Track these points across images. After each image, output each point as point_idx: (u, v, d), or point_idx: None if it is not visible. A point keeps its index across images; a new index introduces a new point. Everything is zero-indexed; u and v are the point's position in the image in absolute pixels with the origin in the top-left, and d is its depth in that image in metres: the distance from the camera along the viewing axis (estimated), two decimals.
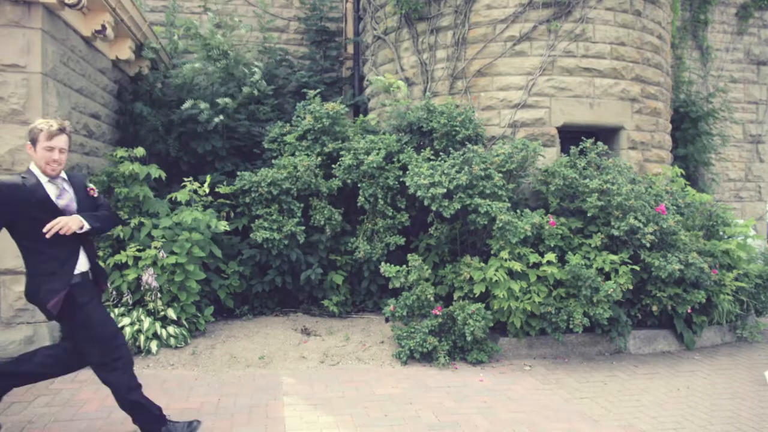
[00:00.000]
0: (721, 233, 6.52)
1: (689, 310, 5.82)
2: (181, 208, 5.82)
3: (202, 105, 6.83)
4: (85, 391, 4.34)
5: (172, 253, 5.47)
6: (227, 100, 7.00)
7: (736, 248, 6.07)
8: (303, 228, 6.11)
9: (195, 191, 6.12)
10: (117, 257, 5.29)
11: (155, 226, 5.58)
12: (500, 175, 5.79)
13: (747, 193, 11.43)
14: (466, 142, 6.17)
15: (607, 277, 5.58)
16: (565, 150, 6.84)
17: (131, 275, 5.22)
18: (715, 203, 6.90)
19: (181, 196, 5.86)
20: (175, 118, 7.08)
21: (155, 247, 5.37)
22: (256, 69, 7.45)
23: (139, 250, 5.44)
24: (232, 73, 7.51)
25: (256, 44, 9.23)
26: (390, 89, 6.90)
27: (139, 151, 5.83)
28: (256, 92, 7.44)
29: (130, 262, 5.32)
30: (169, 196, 6.04)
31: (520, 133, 6.82)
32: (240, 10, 9.78)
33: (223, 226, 5.77)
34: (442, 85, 7.22)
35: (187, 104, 6.84)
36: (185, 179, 6.18)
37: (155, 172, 5.74)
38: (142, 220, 5.59)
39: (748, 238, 6.44)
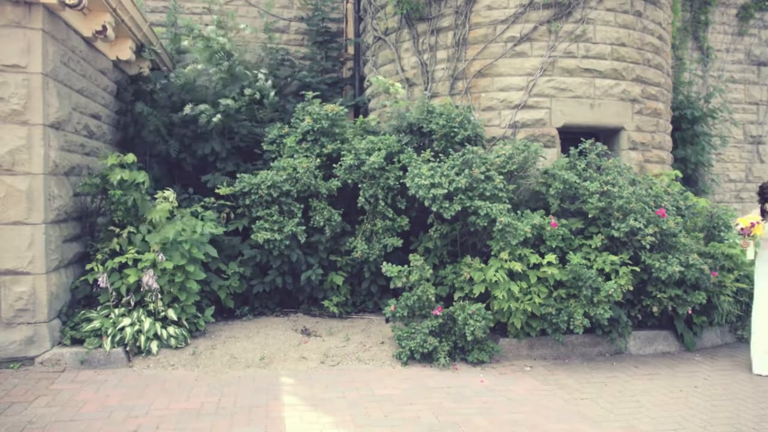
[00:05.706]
0: (722, 235, 6.50)
1: (690, 311, 5.81)
2: (181, 211, 5.80)
3: (203, 107, 6.82)
4: (85, 391, 4.34)
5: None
6: (229, 101, 7.00)
7: (739, 252, 6.07)
8: (304, 228, 6.10)
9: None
10: (117, 259, 5.28)
11: (149, 231, 5.54)
12: (501, 177, 5.78)
13: (747, 194, 11.43)
14: (466, 143, 6.16)
15: (608, 278, 5.58)
16: (565, 151, 6.84)
17: (132, 278, 5.21)
18: (716, 205, 6.88)
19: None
20: (176, 120, 7.08)
21: (154, 251, 5.36)
22: (261, 75, 7.46)
23: (138, 252, 5.44)
24: (234, 75, 7.51)
25: (257, 45, 9.23)
26: (389, 90, 6.88)
27: (130, 157, 5.67)
28: (258, 95, 7.44)
29: (130, 263, 5.32)
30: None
31: (521, 133, 6.81)
32: (241, 11, 9.78)
33: (209, 228, 5.69)
34: (442, 86, 7.22)
35: (187, 109, 6.84)
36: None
37: (142, 178, 5.61)
38: (131, 230, 5.53)
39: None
